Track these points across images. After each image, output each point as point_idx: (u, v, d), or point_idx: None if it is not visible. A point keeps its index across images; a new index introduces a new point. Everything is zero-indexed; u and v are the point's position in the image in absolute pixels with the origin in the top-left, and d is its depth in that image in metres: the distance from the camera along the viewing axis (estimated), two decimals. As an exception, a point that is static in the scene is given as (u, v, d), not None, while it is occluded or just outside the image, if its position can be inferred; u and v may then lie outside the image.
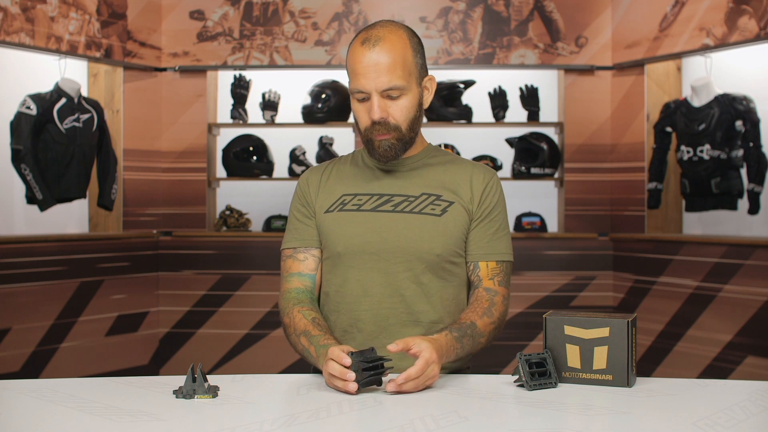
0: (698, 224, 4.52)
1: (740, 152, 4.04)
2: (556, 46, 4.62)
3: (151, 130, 4.66)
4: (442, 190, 1.74)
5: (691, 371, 4.08)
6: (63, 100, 4.10)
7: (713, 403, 1.39)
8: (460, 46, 4.65)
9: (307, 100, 4.60)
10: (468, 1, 4.64)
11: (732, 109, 4.04)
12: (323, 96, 4.56)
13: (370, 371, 1.44)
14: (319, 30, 4.65)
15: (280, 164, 4.74)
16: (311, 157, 4.71)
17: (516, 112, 4.69)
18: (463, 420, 1.29)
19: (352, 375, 1.43)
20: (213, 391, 1.43)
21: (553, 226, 4.76)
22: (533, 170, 4.58)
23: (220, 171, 4.80)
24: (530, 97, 4.64)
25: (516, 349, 4.34)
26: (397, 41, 1.66)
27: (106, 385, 1.53)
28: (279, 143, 4.74)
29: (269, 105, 4.65)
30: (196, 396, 1.42)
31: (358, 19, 4.63)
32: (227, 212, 4.69)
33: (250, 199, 4.84)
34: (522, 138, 4.62)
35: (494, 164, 4.64)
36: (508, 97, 4.64)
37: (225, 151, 4.66)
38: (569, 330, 1.54)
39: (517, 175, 4.60)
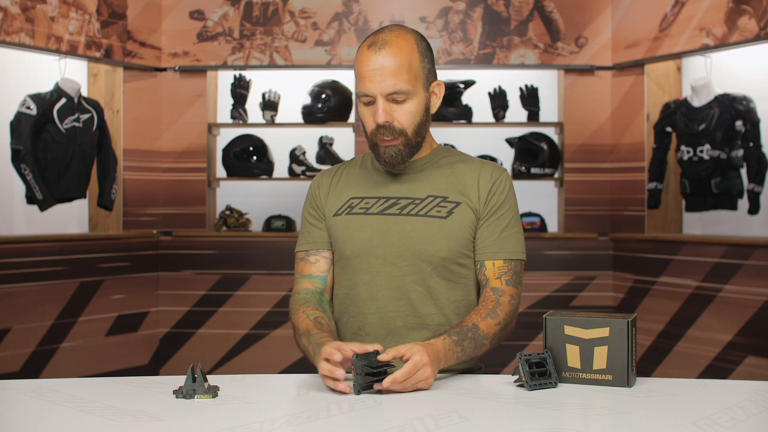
0: (698, 224, 4.52)
1: (740, 152, 4.04)
2: (556, 46, 4.62)
3: (151, 130, 4.66)
4: (449, 191, 1.73)
5: (691, 371, 4.08)
6: (63, 100, 4.10)
7: (713, 403, 1.39)
8: (460, 46, 4.65)
9: (307, 100, 4.60)
10: (468, 1, 4.64)
11: (732, 109, 4.04)
12: (323, 96, 4.56)
13: (373, 376, 1.44)
14: (319, 30, 4.65)
15: (280, 164, 4.74)
16: (311, 157, 4.71)
17: (516, 112, 4.69)
18: (463, 420, 1.29)
19: (341, 373, 1.43)
20: (213, 391, 1.43)
21: (553, 226, 4.76)
22: (533, 170, 4.58)
23: (220, 171, 4.80)
24: (530, 97, 4.64)
25: (516, 349, 4.33)
26: (404, 45, 1.66)
27: (106, 385, 1.53)
28: (279, 143, 4.74)
29: (269, 105, 4.65)
30: (196, 396, 1.42)
31: (358, 19, 4.63)
32: (227, 212, 4.69)
33: (250, 199, 4.85)
34: (522, 138, 4.62)
35: (494, 164, 4.64)
36: (508, 97, 4.64)
37: (225, 151, 4.66)
38: (569, 330, 1.54)
39: (517, 175, 4.60)
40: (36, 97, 4.02)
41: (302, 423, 1.27)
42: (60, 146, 4.09)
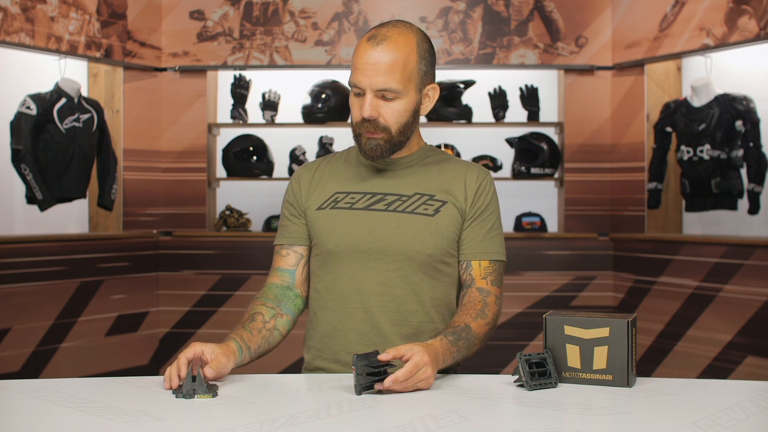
0: (698, 224, 4.52)
1: (740, 152, 4.04)
2: (556, 46, 4.62)
3: (151, 130, 4.66)
4: (436, 190, 1.74)
5: (691, 371, 4.08)
6: (63, 100, 4.10)
7: (713, 403, 1.39)
8: (460, 46, 4.65)
9: (307, 100, 4.60)
10: (468, 1, 4.64)
11: (732, 109, 4.04)
12: (323, 96, 4.56)
13: (374, 376, 1.44)
14: (319, 30, 4.65)
15: (280, 164, 4.74)
16: (311, 157, 4.71)
17: (516, 112, 4.69)
18: (463, 420, 1.28)
19: (174, 381, 1.46)
20: (213, 391, 1.43)
21: (553, 226, 4.76)
22: (533, 170, 4.58)
23: (220, 171, 4.80)
24: (530, 97, 4.64)
25: (516, 349, 4.34)
26: (403, 44, 1.65)
27: (106, 385, 1.53)
28: (279, 143, 4.74)
29: (269, 105, 4.65)
30: (196, 396, 1.41)
31: (358, 19, 4.63)
32: (227, 212, 4.69)
33: (250, 199, 4.85)
34: (522, 138, 4.62)
35: (494, 164, 4.65)
36: (508, 97, 4.64)
37: (225, 151, 4.66)
38: (569, 330, 1.54)
39: (517, 175, 4.60)
40: (36, 97, 4.02)
41: (302, 423, 1.27)
42: (60, 146, 4.09)
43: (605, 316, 1.53)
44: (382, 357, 1.44)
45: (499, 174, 4.68)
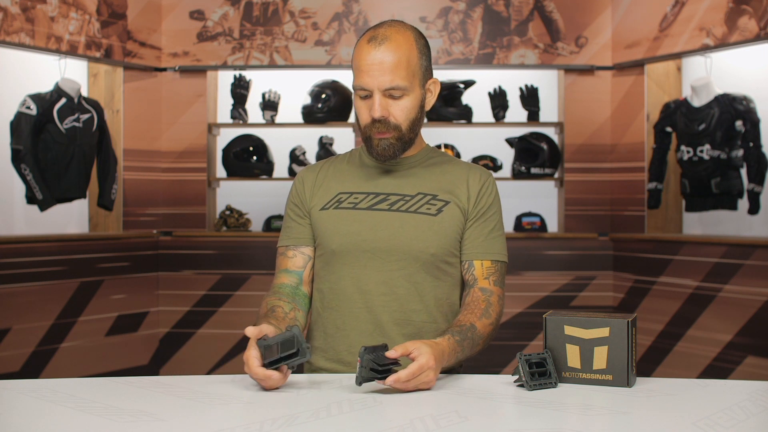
0: (698, 224, 4.52)
1: (740, 152, 4.04)
2: (556, 46, 4.62)
3: (151, 130, 4.66)
4: (438, 190, 1.75)
5: (691, 371, 4.08)
6: (63, 100, 4.10)
7: (713, 403, 1.39)
8: (460, 46, 4.65)
9: (307, 100, 4.60)
10: (468, 1, 4.64)
11: (732, 109, 4.04)
12: (323, 96, 4.56)
13: (378, 373, 1.44)
14: (319, 30, 4.65)
15: (280, 164, 4.74)
16: (311, 157, 4.71)
17: (516, 112, 4.69)
18: (463, 420, 1.28)
19: (265, 373, 1.44)
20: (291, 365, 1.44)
21: (553, 226, 4.76)
22: (533, 170, 4.58)
23: (220, 171, 4.80)
24: (530, 97, 4.64)
25: (516, 349, 4.34)
26: (403, 42, 1.67)
27: (106, 385, 1.53)
28: (279, 143, 4.74)
29: (269, 105, 4.65)
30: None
31: (358, 19, 4.63)
32: (227, 212, 4.69)
33: (250, 199, 4.85)
34: (522, 138, 4.62)
35: (494, 164, 4.65)
36: (508, 97, 4.64)
37: (225, 151, 4.66)
38: (569, 330, 1.54)
39: (517, 175, 4.60)
40: (36, 97, 4.02)
41: (302, 423, 1.27)
42: (60, 146, 4.09)
43: (605, 316, 1.53)
44: (390, 354, 1.44)
45: (499, 174, 4.68)
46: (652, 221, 4.48)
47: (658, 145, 4.32)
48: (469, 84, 4.59)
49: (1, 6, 3.90)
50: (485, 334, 1.65)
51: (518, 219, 4.63)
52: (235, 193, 4.86)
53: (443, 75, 4.72)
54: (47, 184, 4.06)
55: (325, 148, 4.66)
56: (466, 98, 4.63)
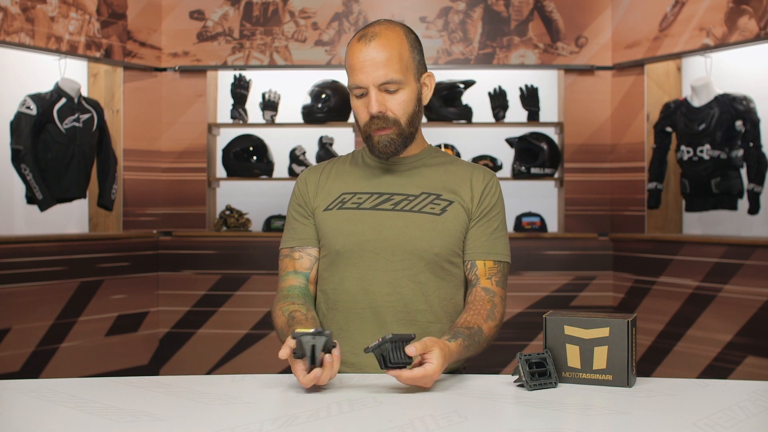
0: (698, 224, 4.52)
1: (740, 152, 4.04)
2: (556, 46, 4.62)
3: (151, 130, 4.66)
4: (442, 189, 1.75)
5: (691, 371, 4.08)
6: (63, 100, 4.10)
7: (713, 403, 1.39)
8: (460, 46, 4.65)
9: (307, 100, 4.60)
10: (468, 1, 4.64)
11: (732, 109, 4.04)
12: (323, 96, 4.56)
13: (387, 361, 1.43)
14: (319, 30, 4.65)
15: (280, 164, 4.74)
16: (311, 157, 4.71)
17: (516, 112, 4.69)
18: (463, 420, 1.28)
19: (308, 378, 1.43)
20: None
21: (553, 226, 4.76)
22: (533, 170, 4.58)
23: (220, 171, 4.80)
24: (530, 97, 4.64)
25: (516, 349, 4.34)
26: (393, 37, 1.68)
27: (106, 385, 1.53)
28: (279, 143, 4.74)
29: (269, 105, 4.65)
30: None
31: (358, 19, 4.63)
32: (227, 212, 4.69)
33: (250, 199, 4.85)
34: (522, 138, 4.62)
35: (494, 164, 4.65)
36: (508, 97, 4.64)
37: (225, 151, 4.66)
38: (569, 330, 1.54)
39: (517, 175, 4.60)
40: (36, 97, 4.02)
41: (302, 423, 1.27)
42: (60, 146, 4.09)
43: (605, 316, 1.53)
44: (409, 351, 1.43)
45: (499, 174, 4.68)
46: (652, 221, 4.48)
47: (658, 145, 4.32)
48: (469, 84, 4.59)
49: (1, 6, 3.90)
50: (489, 337, 1.66)
51: (518, 219, 4.63)
52: (235, 193, 4.86)
53: (443, 75, 4.72)
54: (47, 184, 4.06)
55: (325, 148, 4.66)
56: (466, 98, 4.63)
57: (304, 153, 4.67)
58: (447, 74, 4.74)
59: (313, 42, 4.65)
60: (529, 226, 4.60)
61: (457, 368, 1.76)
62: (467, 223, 1.74)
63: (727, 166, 4.08)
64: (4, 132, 4.05)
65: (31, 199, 4.03)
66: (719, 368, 3.96)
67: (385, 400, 1.41)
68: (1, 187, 4.24)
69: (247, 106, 4.73)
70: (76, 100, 4.16)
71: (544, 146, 4.58)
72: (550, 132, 4.76)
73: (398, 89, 1.67)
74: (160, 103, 4.68)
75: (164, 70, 4.67)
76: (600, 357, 1.51)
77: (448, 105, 4.56)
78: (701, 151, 4.14)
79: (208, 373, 4.52)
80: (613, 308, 4.52)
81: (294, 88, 4.80)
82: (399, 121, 1.69)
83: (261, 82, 4.82)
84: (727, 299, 3.97)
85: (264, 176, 4.66)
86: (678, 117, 4.23)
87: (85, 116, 4.19)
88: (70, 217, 4.54)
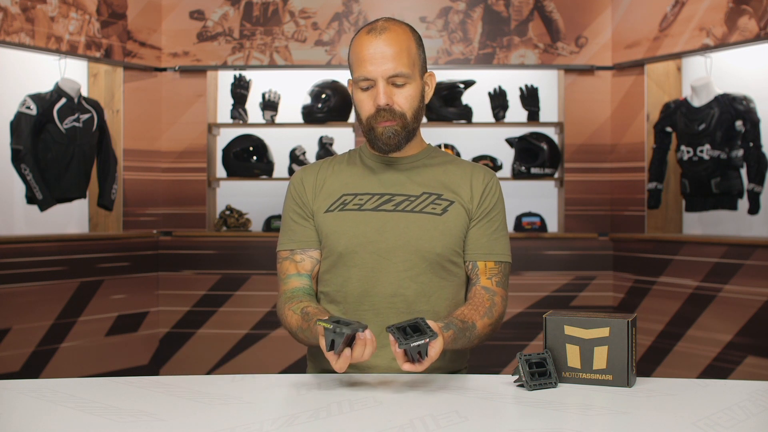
0: (698, 224, 4.52)
1: (740, 152, 4.04)
2: (556, 46, 4.62)
3: (151, 130, 4.66)
4: (443, 189, 1.75)
5: (691, 371, 4.08)
6: (63, 100, 4.10)
7: (713, 403, 1.39)
8: (460, 46, 4.65)
9: (307, 100, 4.60)
10: (468, 1, 4.64)
11: (732, 109, 4.04)
12: (323, 96, 4.56)
13: (406, 335, 1.43)
14: (319, 30, 4.65)
15: (280, 164, 4.74)
16: (311, 157, 4.71)
17: (516, 112, 4.69)
18: (463, 420, 1.29)
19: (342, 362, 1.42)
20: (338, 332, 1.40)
21: (553, 226, 4.76)
22: (533, 170, 4.58)
23: (220, 171, 4.81)
24: (530, 97, 4.64)
25: (516, 349, 4.34)
26: (402, 32, 1.70)
27: (106, 385, 1.53)
28: (279, 143, 4.74)
29: (269, 105, 4.65)
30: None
31: (358, 19, 4.63)
32: (227, 212, 4.69)
33: (250, 199, 4.85)
34: (522, 138, 4.62)
35: (494, 164, 4.65)
36: (508, 97, 4.64)
37: (225, 151, 4.67)
38: (569, 330, 1.54)
39: (517, 175, 4.60)
40: (36, 97, 4.02)
41: (302, 423, 1.27)
42: (60, 146, 4.09)
43: (605, 316, 1.53)
44: (434, 326, 1.45)
45: (499, 174, 4.68)
46: (652, 221, 4.48)
47: (658, 145, 4.32)
48: (469, 84, 4.59)
49: (1, 6, 3.90)
50: (482, 333, 1.65)
51: (518, 219, 4.63)
52: (235, 193, 4.86)
53: (443, 75, 4.72)
54: (47, 184, 4.06)
55: (325, 148, 4.66)
56: (466, 98, 4.63)
57: (304, 153, 4.67)
58: (447, 74, 4.74)
59: (313, 42, 4.65)
60: (529, 226, 4.60)
61: (458, 368, 1.76)
62: (468, 223, 1.74)
63: (727, 166, 4.08)
64: (4, 132, 4.05)
65: (31, 199, 4.03)
66: (719, 368, 3.96)
67: (385, 400, 1.41)
68: (1, 187, 4.24)
69: (247, 106, 4.73)
70: (76, 100, 4.16)
71: (544, 146, 4.58)
72: (550, 132, 4.76)
73: (405, 83, 1.68)
74: (160, 103, 4.68)
75: (164, 70, 4.67)
76: (600, 357, 1.51)
77: (448, 105, 4.56)
78: (701, 151, 4.14)
79: (208, 373, 4.52)
80: (613, 308, 4.52)
81: (294, 88, 4.80)
82: (405, 115, 1.69)
83: (261, 82, 4.82)
84: (727, 299, 3.97)
85: (264, 176, 4.66)
86: (678, 117, 4.23)
87: (85, 116, 4.19)
88: (70, 217, 4.54)
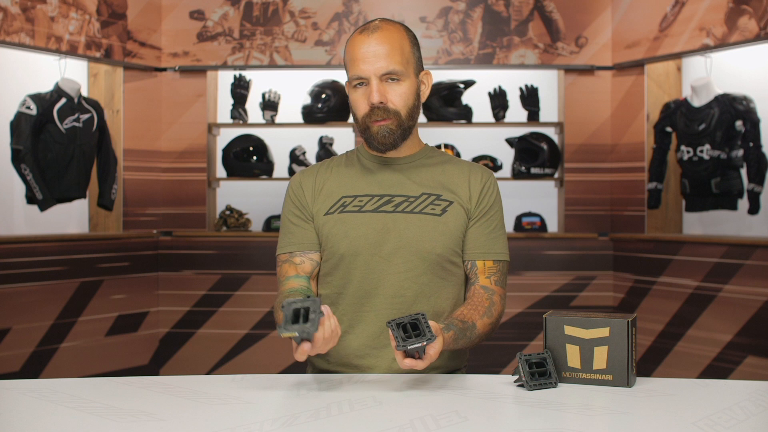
0: (698, 224, 4.52)
1: (740, 152, 4.04)
2: (556, 46, 4.62)
3: (151, 130, 4.66)
4: (442, 189, 1.75)
5: (691, 371, 4.08)
6: (63, 100, 4.10)
7: (713, 403, 1.39)
8: (460, 46, 4.65)
9: (307, 100, 4.60)
10: (468, 1, 4.64)
11: (732, 109, 4.04)
12: (323, 96, 4.56)
13: (405, 333, 1.42)
14: (319, 30, 4.65)
15: (280, 164, 4.74)
16: (311, 157, 4.71)
17: (516, 112, 4.69)
18: (463, 420, 1.29)
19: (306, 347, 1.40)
20: (304, 333, 1.36)
21: (553, 226, 4.76)
22: (533, 170, 4.58)
23: (220, 171, 4.80)
24: (530, 97, 4.64)
25: (516, 349, 4.34)
26: (394, 31, 1.70)
27: (106, 385, 1.53)
28: (279, 143, 4.74)
29: (269, 105, 4.65)
30: (283, 331, 1.35)
31: (358, 19, 4.63)
32: (227, 212, 4.69)
33: (250, 199, 4.85)
34: (522, 138, 4.62)
35: (494, 164, 4.65)
36: (508, 97, 4.64)
37: (225, 151, 4.66)
38: (569, 330, 1.54)
39: (517, 175, 4.60)
40: (36, 97, 4.02)
41: (302, 423, 1.27)
42: (60, 146, 4.09)
43: (605, 316, 1.53)
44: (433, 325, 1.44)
45: (499, 174, 4.68)
46: (652, 221, 4.48)
47: (658, 145, 4.32)
48: (469, 84, 4.59)
49: (1, 6, 3.90)
50: (482, 333, 1.65)
51: (518, 219, 4.63)
52: (235, 193, 4.86)
53: (443, 75, 4.72)
54: (47, 184, 4.06)
55: (325, 148, 4.66)
56: (466, 98, 4.63)
57: (304, 153, 4.67)
58: (447, 74, 4.74)
59: (313, 42, 4.65)
60: (529, 226, 4.60)
61: (457, 368, 1.76)
62: (467, 223, 1.74)
63: (727, 166, 4.08)
64: (4, 132, 4.05)
65: (31, 199, 4.03)
66: (719, 368, 3.96)
67: (385, 400, 1.41)
68: (1, 187, 4.24)
69: (247, 106, 4.73)
70: (76, 100, 4.16)
71: (544, 146, 4.58)
72: (550, 132, 4.76)
73: (399, 80, 1.68)
74: (160, 103, 4.68)
75: (164, 70, 4.67)
76: (600, 357, 1.51)
77: (448, 105, 4.55)
78: (701, 151, 4.14)
79: (208, 373, 4.52)
80: (613, 308, 4.52)
81: (294, 88, 4.80)
82: (399, 113, 1.69)
83: (261, 82, 4.82)
84: (727, 299, 3.97)
85: (264, 176, 4.65)
86: (678, 117, 4.23)
87: (85, 116, 4.19)
88: (70, 217, 4.54)
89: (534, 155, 4.58)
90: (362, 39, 1.68)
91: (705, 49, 4.15)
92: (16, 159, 3.97)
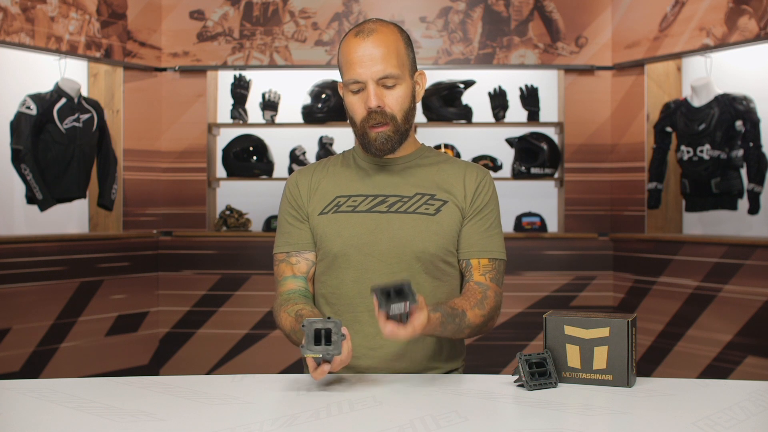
0: (698, 224, 4.52)
1: (740, 152, 4.04)
2: (556, 46, 4.62)
3: (151, 130, 4.66)
4: (436, 189, 1.75)
5: (691, 371, 4.08)
6: (63, 100, 4.10)
7: (713, 403, 1.39)
8: (460, 46, 4.65)
9: (307, 100, 4.60)
10: (468, 1, 4.64)
11: (732, 109, 4.04)
12: (323, 96, 4.56)
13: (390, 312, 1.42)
14: (319, 30, 4.65)
15: (280, 164, 4.74)
16: (311, 157, 4.71)
17: (516, 112, 4.69)
18: (463, 420, 1.29)
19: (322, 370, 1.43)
20: (328, 355, 1.40)
21: (553, 226, 4.76)
22: (533, 170, 4.58)
23: (220, 171, 4.81)
24: (530, 97, 4.64)
25: (516, 349, 4.34)
26: (389, 33, 1.69)
27: (106, 385, 1.53)
28: (279, 143, 4.74)
29: (269, 105, 4.66)
30: (307, 351, 1.40)
31: (358, 19, 4.63)
32: (227, 212, 4.69)
33: (250, 199, 4.85)
34: (522, 138, 4.62)
35: (494, 164, 4.65)
36: (508, 97, 4.64)
37: (225, 151, 4.67)
38: (569, 330, 1.54)
39: (517, 175, 4.60)
40: (36, 97, 4.02)
41: (302, 423, 1.27)
42: (60, 146, 4.09)
43: (605, 316, 1.53)
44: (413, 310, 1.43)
45: (499, 174, 4.68)
46: (652, 221, 4.48)
47: (658, 145, 4.32)
48: (469, 84, 4.59)
49: (1, 6, 3.90)
50: (473, 324, 1.63)
51: (518, 219, 4.63)
52: (235, 193, 4.86)
53: (443, 75, 4.72)
54: (47, 184, 4.06)
55: (325, 148, 4.66)
56: (466, 98, 4.63)
57: (304, 153, 4.67)
58: (447, 74, 4.74)
59: (313, 42, 4.65)
60: (529, 226, 4.60)
61: (455, 367, 1.76)
62: (461, 222, 1.74)
63: (727, 166, 4.08)
64: (4, 132, 4.05)
65: (31, 199, 4.03)
66: (719, 368, 3.96)
67: (385, 400, 1.41)
68: (1, 187, 4.24)
69: (247, 106, 4.73)
70: (76, 100, 4.16)
71: (544, 146, 4.58)
72: (550, 132, 4.76)
73: (395, 84, 1.68)
74: (160, 103, 4.68)
75: (164, 70, 4.67)
76: (600, 357, 1.51)
77: (448, 105, 4.55)
78: (701, 151, 4.14)
79: (208, 373, 4.52)
80: (613, 308, 4.52)
81: (294, 88, 4.80)
82: (396, 117, 1.69)
83: (261, 82, 4.82)
84: (727, 299, 3.97)
85: (264, 176, 4.66)
86: (678, 117, 4.23)
87: (85, 116, 4.19)
88: (70, 217, 4.54)
89: (534, 155, 4.58)
90: (358, 42, 1.67)
91: (705, 49, 4.15)
92: (16, 159, 3.97)
